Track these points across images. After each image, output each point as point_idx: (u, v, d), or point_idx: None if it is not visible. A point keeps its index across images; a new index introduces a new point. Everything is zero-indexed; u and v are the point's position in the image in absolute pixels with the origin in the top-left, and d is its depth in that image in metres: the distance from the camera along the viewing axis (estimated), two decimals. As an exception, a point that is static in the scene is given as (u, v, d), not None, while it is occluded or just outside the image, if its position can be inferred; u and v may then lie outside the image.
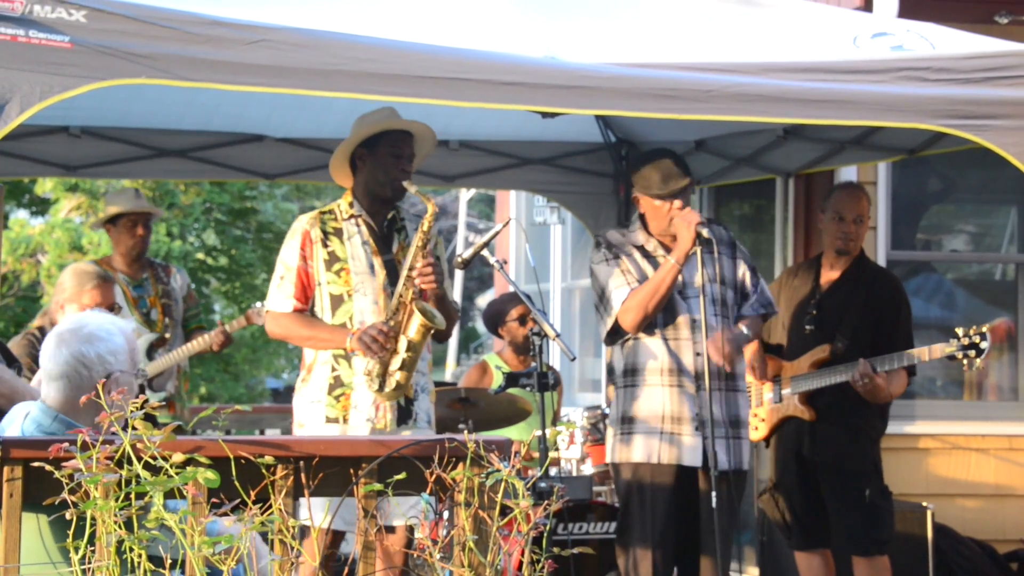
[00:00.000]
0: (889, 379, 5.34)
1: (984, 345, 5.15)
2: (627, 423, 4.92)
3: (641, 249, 4.98)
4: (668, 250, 4.93)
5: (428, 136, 5.02)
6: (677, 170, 4.92)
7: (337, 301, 4.87)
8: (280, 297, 4.89)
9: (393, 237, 4.97)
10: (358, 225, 4.91)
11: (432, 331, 4.77)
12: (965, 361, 5.18)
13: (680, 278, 4.88)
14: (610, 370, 5.08)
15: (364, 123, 4.95)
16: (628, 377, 4.94)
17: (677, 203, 4.89)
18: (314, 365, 4.90)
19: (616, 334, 4.95)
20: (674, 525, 4.87)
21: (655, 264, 4.94)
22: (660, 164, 4.93)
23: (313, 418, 4.86)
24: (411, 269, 4.78)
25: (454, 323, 5.02)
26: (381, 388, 4.77)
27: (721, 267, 4.92)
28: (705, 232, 4.78)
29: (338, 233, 4.89)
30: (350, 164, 4.97)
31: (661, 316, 4.90)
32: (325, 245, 4.87)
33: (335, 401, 4.84)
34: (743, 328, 4.94)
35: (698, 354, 4.86)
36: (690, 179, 4.94)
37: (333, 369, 4.85)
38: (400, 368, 4.75)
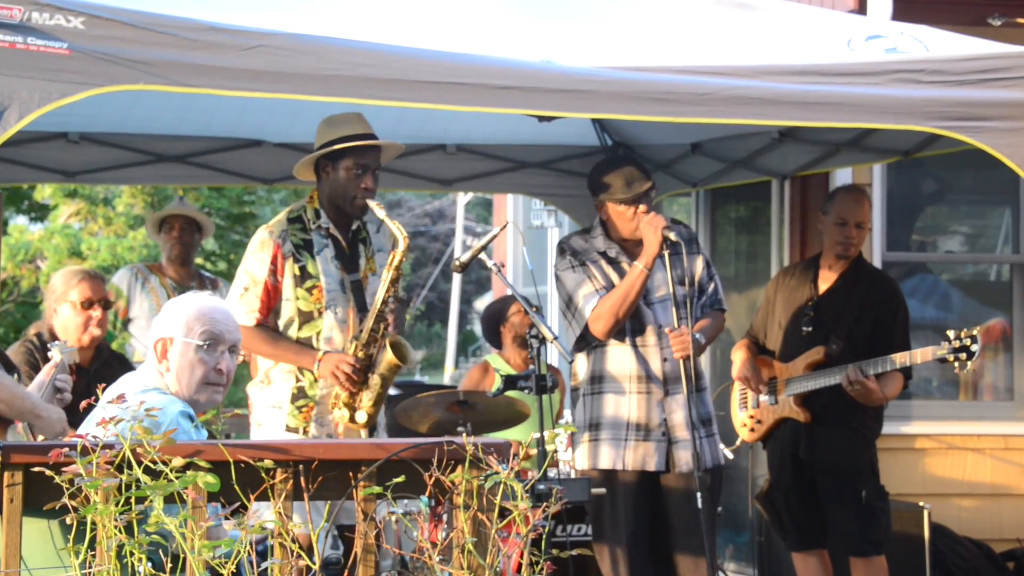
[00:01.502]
0: (884, 382, 5.35)
1: (975, 348, 5.16)
2: (594, 429, 4.95)
3: (604, 255, 5.01)
4: (631, 255, 4.96)
5: (392, 146, 4.98)
6: (639, 174, 4.96)
7: (306, 317, 4.85)
8: (242, 310, 4.81)
9: (359, 250, 4.95)
10: (326, 238, 4.88)
11: (400, 369, 4.79)
12: (956, 364, 5.20)
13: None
14: (574, 377, 5.09)
15: (329, 128, 4.89)
16: (595, 384, 4.97)
17: (642, 207, 4.92)
18: (273, 372, 4.89)
19: (584, 340, 4.98)
20: (646, 527, 4.90)
21: (619, 270, 4.97)
22: (622, 170, 4.98)
23: (273, 423, 4.86)
24: (384, 304, 4.78)
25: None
26: (352, 420, 4.81)
27: (684, 267, 4.94)
28: (672, 235, 4.81)
29: (308, 246, 4.85)
30: (315, 168, 4.93)
31: (628, 323, 4.92)
32: (297, 260, 4.82)
33: (297, 411, 4.84)
34: (697, 335, 4.90)
35: (665, 360, 4.91)
36: (651, 182, 4.98)
37: (297, 380, 4.86)
38: (372, 404, 4.79)
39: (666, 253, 4.82)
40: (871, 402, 5.37)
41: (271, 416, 4.88)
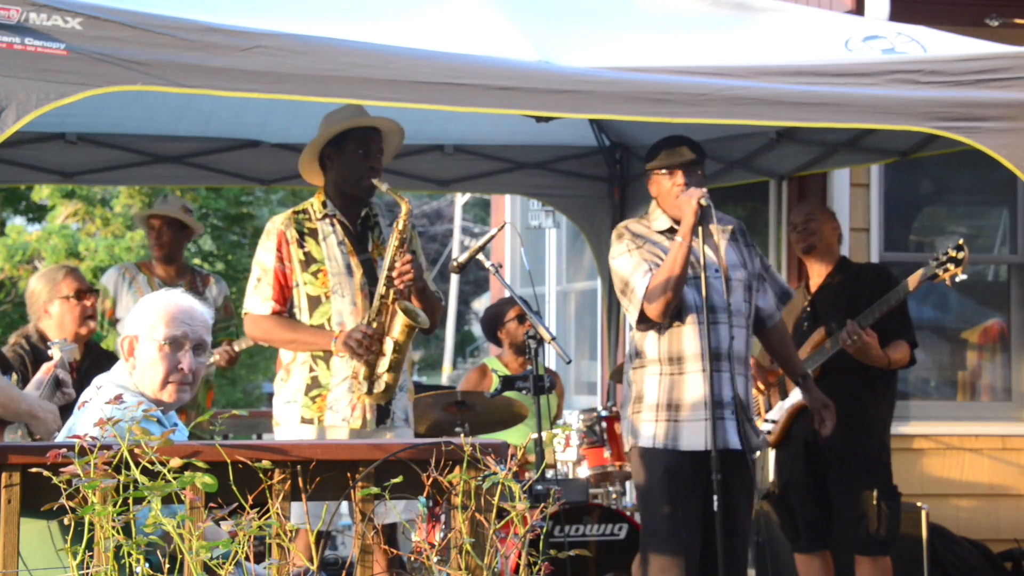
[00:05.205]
0: (887, 348, 5.38)
1: (960, 256, 5.19)
2: (674, 410, 4.80)
3: (667, 233, 4.86)
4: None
5: (395, 131, 5.01)
6: (687, 150, 4.85)
7: (315, 302, 4.87)
8: (257, 300, 4.88)
9: (368, 235, 4.96)
10: (333, 225, 4.91)
11: (416, 330, 4.78)
12: (947, 277, 5.22)
13: (702, 260, 4.74)
14: (636, 354, 4.91)
15: (330, 121, 4.95)
16: (674, 364, 4.82)
17: (680, 179, 4.81)
18: (292, 365, 4.91)
19: (647, 321, 4.83)
20: (700, 532, 4.78)
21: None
22: (670, 143, 4.88)
23: (288, 418, 4.88)
24: (390, 269, 4.78)
25: (439, 313, 5.02)
26: (370, 391, 4.80)
27: (743, 255, 4.89)
28: (703, 201, 4.66)
29: (313, 234, 4.89)
30: (320, 163, 4.98)
31: (694, 300, 4.78)
32: (301, 246, 4.87)
33: (311, 402, 4.85)
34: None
35: (733, 337, 4.79)
36: (696, 156, 4.85)
37: (311, 370, 4.86)
38: (388, 370, 4.78)
39: (715, 232, 4.70)
40: (872, 359, 5.36)
41: (286, 411, 4.89)
